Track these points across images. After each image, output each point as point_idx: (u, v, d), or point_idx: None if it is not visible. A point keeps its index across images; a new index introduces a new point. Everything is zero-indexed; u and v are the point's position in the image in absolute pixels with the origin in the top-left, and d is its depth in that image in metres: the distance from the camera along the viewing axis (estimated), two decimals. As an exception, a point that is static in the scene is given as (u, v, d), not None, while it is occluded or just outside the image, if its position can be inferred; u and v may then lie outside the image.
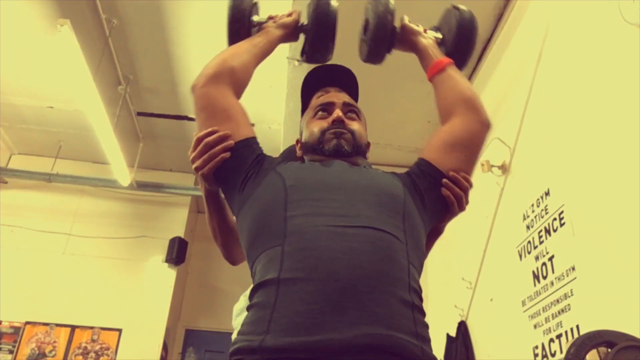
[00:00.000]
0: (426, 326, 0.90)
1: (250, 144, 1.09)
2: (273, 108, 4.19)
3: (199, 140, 1.07)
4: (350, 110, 1.21)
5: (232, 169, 1.06)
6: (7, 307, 4.72)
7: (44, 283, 4.89)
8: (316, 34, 1.26)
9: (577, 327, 2.07)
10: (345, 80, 1.42)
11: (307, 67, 1.44)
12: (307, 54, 1.30)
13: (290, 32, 1.29)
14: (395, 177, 1.11)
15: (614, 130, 2.00)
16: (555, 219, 2.31)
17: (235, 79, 1.13)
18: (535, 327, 2.40)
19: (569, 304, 2.14)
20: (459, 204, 1.11)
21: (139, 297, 5.06)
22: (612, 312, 1.86)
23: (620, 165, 1.92)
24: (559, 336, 2.20)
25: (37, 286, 4.87)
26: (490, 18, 3.27)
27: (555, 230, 2.31)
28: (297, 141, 1.27)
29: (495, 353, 2.87)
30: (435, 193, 1.09)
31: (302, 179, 1.02)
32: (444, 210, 1.11)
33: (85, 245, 5.06)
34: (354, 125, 1.18)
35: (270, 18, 1.29)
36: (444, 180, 1.09)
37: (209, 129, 1.07)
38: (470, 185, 1.13)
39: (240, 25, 1.23)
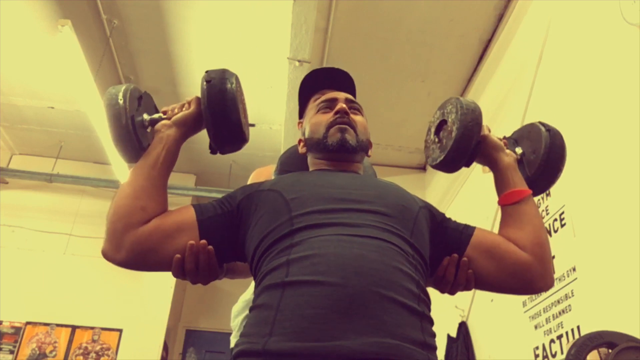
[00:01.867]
0: (433, 335, 0.89)
1: (204, 215, 0.99)
2: (274, 109, 4.19)
3: (181, 275, 0.97)
4: (353, 106, 1.19)
5: (223, 245, 0.99)
6: (7, 307, 4.72)
7: (44, 283, 4.89)
8: (216, 131, 1.05)
9: (578, 327, 2.07)
10: (343, 83, 1.41)
11: (309, 68, 1.42)
12: (216, 149, 1.10)
13: (191, 127, 1.08)
14: (417, 198, 1.08)
15: (614, 130, 2.00)
16: (556, 219, 2.31)
17: (150, 214, 0.96)
18: (536, 327, 2.40)
19: (569, 305, 2.14)
20: (443, 284, 1.03)
21: (139, 297, 5.05)
22: (613, 313, 1.86)
23: (621, 166, 1.92)
24: (559, 337, 2.20)
25: (37, 286, 4.86)
26: (490, 18, 3.28)
27: (556, 231, 2.31)
28: (300, 140, 1.26)
29: (496, 354, 2.87)
30: (444, 253, 1.03)
31: (304, 191, 1.00)
32: (434, 270, 1.04)
33: (86, 245, 5.05)
34: (358, 118, 1.17)
35: (164, 112, 1.09)
36: (454, 254, 1.02)
37: (175, 263, 0.95)
38: (467, 287, 1.03)
39: (128, 143, 1.03)
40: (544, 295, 2.34)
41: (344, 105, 1.15)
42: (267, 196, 1.00)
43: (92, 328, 4.85)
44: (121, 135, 1.02)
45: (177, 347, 5.63)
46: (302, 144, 1.24)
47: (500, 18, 3.26)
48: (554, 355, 2.23)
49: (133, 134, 1.02)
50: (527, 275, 1.02)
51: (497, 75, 3.30)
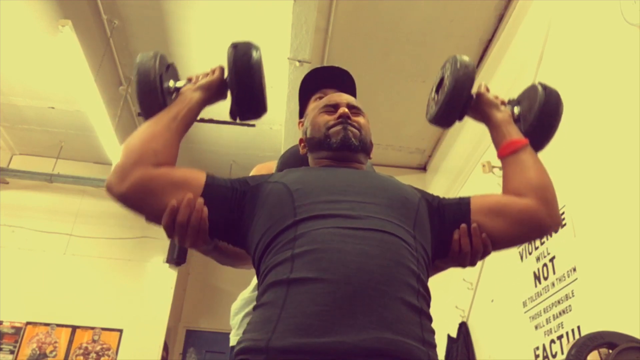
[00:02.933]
0: (432, 332, 0.89)
1: (213, 183, 1.01)
2: (274, 109, 4.16)
3: (170, 227, 0.97)
4: (355, 112, 1.19)
5: (220, 216, 0.99)
6: (8, 308, 4.72)
7: (45, 283, 4.89)
8: (239, 95, 1.11)
9: (578, 328, 2.07)
10: (344, 82, 1.41)
11: (309, 68, 1.42)
12: (237, 114, 1.14)
13: (214, 92, 1.13)
14: (414, 188, 1.09)
15: (614, 130, 2.00)
16: (556, 219, 2.30)
17: (159, 161, 0.99)
18: (536, 328, 2.40)
19: (570, 305, 2.14)
20: (461, 258, 1.03)
21: (139, 297, 5.06)
22: (613, 313, 1.86)
23: (621, 166, 1.92)
24: (560, 337, 2.20)
25: (38, 286, 4.86)
26: (491, 19, 3.28)
27: (556, 232, 2.30)
28: (301, 140, 1.26)
29: (496, 354, 2.86)
30: (451, 231, 1.04)
31: (308, 183, 1.01)
32: (447, 249, 1.04)
33: (86, 245, 5.06)
34: (360, 119, 1.17)
35: (189, 80, 1.14)
36: (462, 225, 1.02)
37: (169, 211, 0.95)
38: (486, 252, 1.03)
39: (152, 100, 1.07)
40: (545, 295, 2.34)
41: (346, 110, 1.15)
42: (273, 188, 1.01)
43: (92, 328, 4.85)
44: (148, 90, 1.06)
45: (178, 347, 5.63)
46: (302, 144, 1.24)
47: (500, 18, 3.26)
48: (554, 356, 2.23)
49: (159, 91, 1.07)
50: (534, 219, 1.04)
51: (497, 76, 3.30)
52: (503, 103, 1.21)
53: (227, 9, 3.61)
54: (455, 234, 1.03)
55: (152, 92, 1.07)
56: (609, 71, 2.07)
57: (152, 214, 0.98)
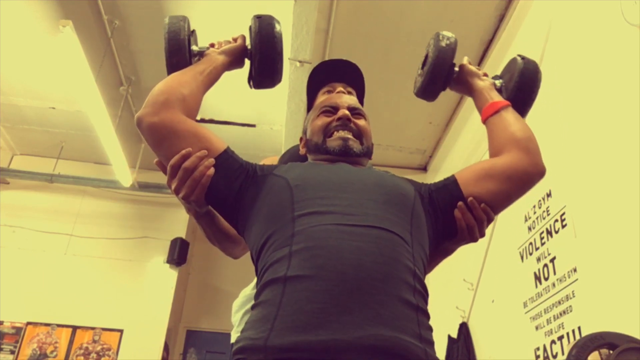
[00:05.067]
0: (430, 329, 0.89)
1: (230, 155, 1.05)
2: (274, 109, 4.19)
3: (175, 168, 1.00)
4: (356, 111, 1.20)
5: (222, 185, 1.02)
6: (8, 308, 4.73)
7: (45, 283, 4.90)
8: (261, 60, 1.18)
9: (579, 328, 2.07)
10: (352, 76, 1.42)
11: (310, 69, 1.42)
12: (254, 81, 1.21)
13: (235, 58, 1.21)
14: (407, 181, 1.11)
15: (615, 131, 2.00)
16: (557, 220, 2.30)
17: (185, 108, 1.05)
18: (536, 328, 2.40)
19: (570, 306, 2.14)
20: (470, 233, 1.06)
21: (140, 297, 5.06)
22: (614, 314, 1.86)
23: (622, 166, 1.92)
24: (560, 338, 2.19)
25: (38, 287, 4.87)
26: (491, 19, 3.28)
27: (556, 232, 2.30)
28: (301, 139, 1.27)
29: (497, 354, 2.86)
30: (450, 212, 1.06)
31: (308, 179, 1.01)
32: (454, 232, 1.07)
33: (86, 245, 5.07)
34: (360, 122, 1.18)
35: (211, 45, 1.21)
36: (459, 203, 1.05)
37: (182, 153, 1.00)
38: (489, 218, 1.07)
39: (180, 57, 1.14)
40: (545, 296, 2.34)
41: (347, 112, 1.16)
42: (276, 182, 1.03)
43: (92, 328, 4.85)
44: (178, 48, 1.14)
45: (178, 348, 5.63)
46: (302, 143, 1.24)
47: (501, 19, 3.26)
48: (554, 356, 2.22)
49: (187, 50, 1.16)
50: (519, 170, 1.08)
51: (498, 76, 3.29)
52: (485, 75, 1.27)
53: (227, 10, 3.61)
54: (456, 213, 1.05)
55: (181, 49, 1.14)
56: (610, 71, 2.07)
57: (165, 154, 1.03)
